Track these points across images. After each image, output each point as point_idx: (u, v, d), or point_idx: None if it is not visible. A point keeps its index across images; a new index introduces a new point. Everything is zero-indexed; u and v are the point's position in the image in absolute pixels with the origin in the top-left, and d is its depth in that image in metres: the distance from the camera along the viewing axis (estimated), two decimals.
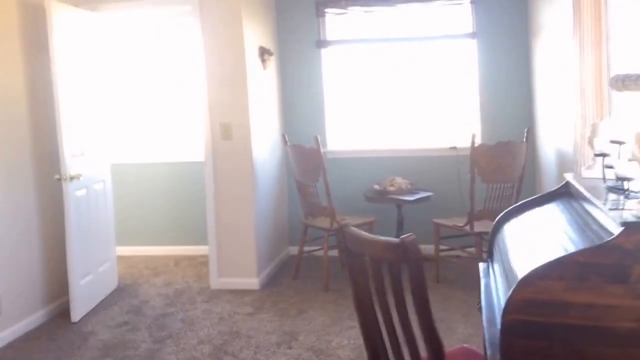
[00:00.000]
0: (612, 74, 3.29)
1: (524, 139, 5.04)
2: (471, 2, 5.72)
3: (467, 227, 4.93)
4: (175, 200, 6.39)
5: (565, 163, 4.32)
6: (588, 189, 2.27)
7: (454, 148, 5.89)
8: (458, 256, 5.49)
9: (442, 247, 5.30)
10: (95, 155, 5.09)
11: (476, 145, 4.90)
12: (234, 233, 5.27)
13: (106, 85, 5.49)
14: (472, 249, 5.16)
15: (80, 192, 4.72)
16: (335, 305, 4.77)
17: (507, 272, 2.18)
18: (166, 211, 6.42)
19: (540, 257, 1.96)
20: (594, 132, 2.46)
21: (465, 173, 5.48)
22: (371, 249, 2.19)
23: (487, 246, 4.50)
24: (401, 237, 2.03)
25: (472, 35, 5.77)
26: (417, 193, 5.57)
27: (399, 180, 5.64)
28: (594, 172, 2.49)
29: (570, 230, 2.11)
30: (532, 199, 2.84)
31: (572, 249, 1.90)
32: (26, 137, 4.51)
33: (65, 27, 4.64)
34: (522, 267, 1.97)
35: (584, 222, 2.08)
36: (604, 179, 2.27)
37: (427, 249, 5.56)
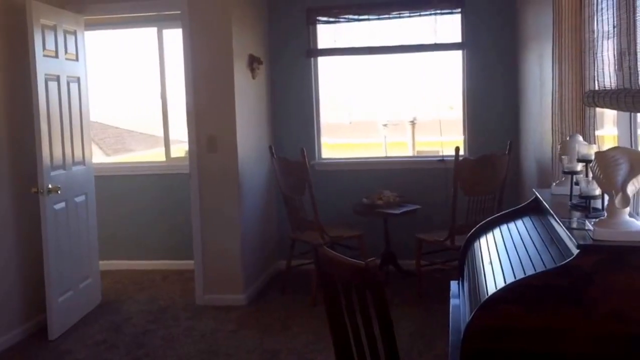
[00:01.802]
0: (585, 89, 3.31)
1: (507, 151, 5.06)
2: (460, 13, 5.73)
3: (448, 242, 4.93)
4: (164, 213, 6.40)
5: (544, 176, 4.32)
6: (554, 205, 2.28)
7: (442, 160, 5.89)
8: (442, 269, 5.47)
9: (424, 262, 5.28)
10: (77, 167, 5.11)
11: (460, 158, 4.92)
12: (220, 248, 5.28)
13: (91, 91, 5.50)
14: (455, 262, 5.13)
15: (59, 206, 4.74)
16: (321, 321, 4.75)
17: (473, 293, 2.18)
18: (155, 224, 6.44)
19: (502, 281, 1.96)
20: (564, 149, 2.46)
21: (452, 186, 5.52)
22: (339, 270, 2.21)
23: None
24: (366, 261, 2.05)
25: (461, 45, 5.78)
26: (404, 206, 5.57)
27: (388, 193, 5.64)
28: (563, 188, 2.50)
29: (535, 249, 2.11)
30: (503, 214, 2.85)
31: (533, 271, 1.90)
32: (3, 147, 4.50)
33: (48, 29, 4.67)
34: (485, 291, 1.97)
35: (549, 242, 2.09)
36: (571, 196, 2.27)
37: (412, 263, 5.58)
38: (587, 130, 3.01)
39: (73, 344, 4.49)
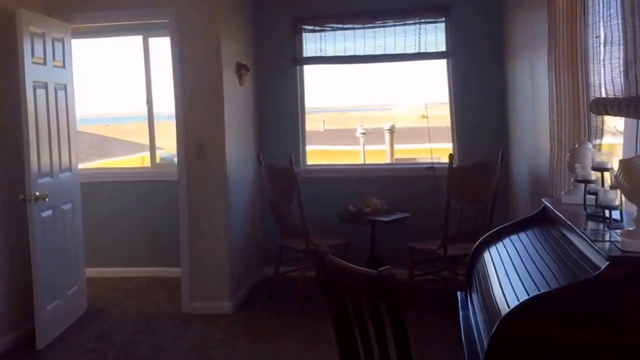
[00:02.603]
0: (589, 96, 3.27)
1: (499, 160, 5.02)
2: (445, 22, 5.70)
3: (441, 251, 4.87)
4: (149, 220, 6.23)
5: (539, 184, 4.29)
6: (568, 216, 2.22)
7: (432, 168, 5.84)
8: (433, 280, 5.41)
9: (415, 271, 5.19)
10: (64, 174, 4.95)
11: (454, 166, 4.86)
12: (207, 255, 5.15)
13: (78, 98, 5.33)
14: (445, 273, 5.09)
15: (47, 213, 4.58)
16: (311, 329, 4.66)
17: (488, 306, 2.11)
18: (139, 231, 6.26)
19: (522, 292, 1.89)
20: (574, 157, 2.40)
21: (442, 193, 5.42)
22: (349, 279, 2.12)
23: (464, 271, 4.46)
24: (379, 269, 1.96)
25: (446, 54, 5.75)
26: (393, 214, 5.51)
27: (375, 200, 5.57)
28: (574, 197, 2.44)
29: (552, 261, 2.04)
30: (510, 224, 2.78)
31: (554, 283, 1.84)
32: None
33: (37, 37, 4.51)
34: (504, 302, 1.90)
35: (565, 253, 2.02)
36: (585, 206, 2.22)
37: (402, 272, 5.50)
38: (586, 138, 2.96)
39: (61, 354, 4.33)
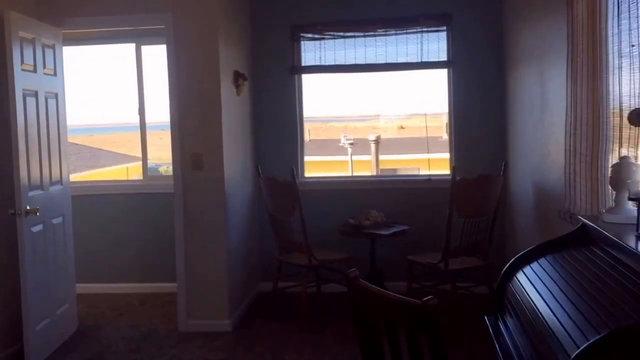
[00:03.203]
0: (608, 107, 3.10)
1: (501, 172, 4.84)
2: (446, 31, 5.52)
3: (441, 265, 4.66)
4: (142, 234, 5.95)
5: (546, 198, 4.11)
6: (618, 236, 2.02)
7: (429, 180, 5.65)
8: (434, 293, 5.18)
9: (414, 285, 5.00)
10: (55, 187, 4.68)
11: (457, 178, 4.66)
12: (204, 271, 4.89)
13: (70, 107, 5.07)
14: (447, 285, 4.88)
15: (37, 228, 4.31)
16: (313, 348, 4.43)
17: (534, 334, 1.89)
18: (132, 245, 5.98)
19: (584, 323, 1.68)
20: (619, 172, 2.20)
21: (441, 205, 5.28)
22: (385, 307, 1.90)
23: (465, 285, 4.24)
24: (424, 300, 1.76)
25: (447, 64, 5.57)
26: (393, 227, 5.30)
27: (374, 213, 5.36)
28: (618, 216, 2.24)
29: (608, 286, 1.83)
30: (545, 244, 2.57)
31: (621, 313, 1.63)
32: None
33: (27, 43, 4.26)
34: (564, 334, 1.68)
35: (627, 279, 1.81)
36: (638, 226, 2.01)
37: (401, 285, 5.32)
38: (605, 150, 2.77)
39: None
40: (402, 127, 20.83)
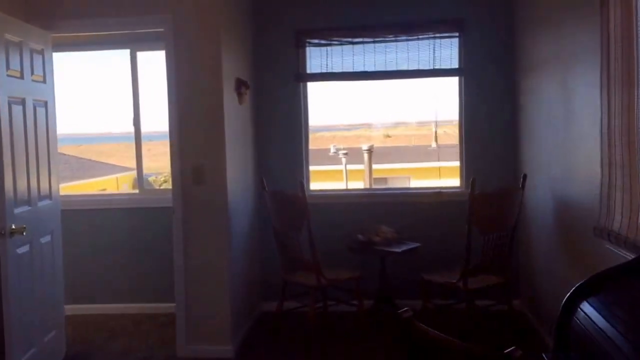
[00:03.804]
0: None
1: (520, 185, 4.48)
2: (459, 37, 5.17)
3: (460, 284, 4.30)
4: (136, 251, 5.50)
5: (573, 211, 3.76)
6: None
7: (440, 193, 5.29)
8: (447, 312, 4.82)
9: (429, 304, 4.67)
10: (43, 202, 4.26)
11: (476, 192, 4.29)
12: (205, 291, 4.48)
13: (60, 116, 4.65)
14: (462, 304, 4.54)
15: (23, 249, 3.87)
16: None
17: None
18: (126, 263, 5.53)
19: None
20: None
21: (452, 220, 5.04)
22: (453, 356, 1.53)
23: (484, 305, 3.83)
24: (507, 351, 1.39)
25: (460, 71, 5.22)
26: (404, 244, 4.93)
27: (384, 229, 4.98)
28: None
29: None
30: (612, 270, 2.21)
31: None
32: None
33: (13, 46, 3.84)
34: None
35: None
36: None
37: (414, 304, 4.95)
38: None
39: None
40: (388, 136, 20.62)
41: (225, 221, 4.43)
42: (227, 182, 4.43)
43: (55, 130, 4.54)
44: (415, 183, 17.41)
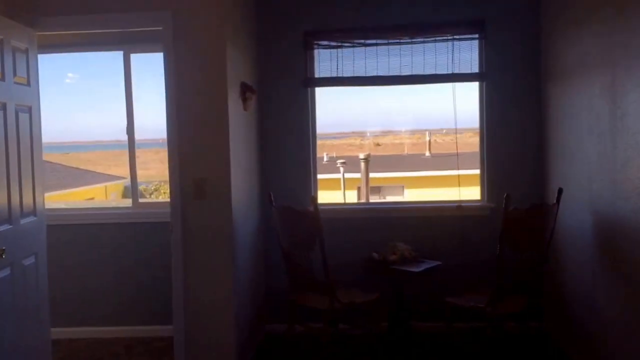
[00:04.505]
0: None
1: (555, 200, 4.02)
2: (479, 39, 4.74)
3: (489, 309, 3.84)
4: (127, 269, 4.97)
5: (623, 231, 3.31)
6: None
7: (460, 207, 4.83)
8: (472, 335, 4.37)
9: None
10: (27, 220, 3.75)
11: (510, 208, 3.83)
12: (207, 313, 3.99)
13: (45, 121, 4.16)
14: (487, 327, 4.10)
15: (3, 273, 3.37)
16: None
17: None
18: (117, 282, 4.99)
19: None
20: None
21: (473, 235, 4.73)
22: None
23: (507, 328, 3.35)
24: None
25: (480, 76, 4.78)
26: (423, 262, 4.48)
27: (401, 246, 4.52)
28: None
29: None
30: None
31: None
32: None
33: None
34: None
35: None
36: None
37: (432, 326, 4.55)
38: None
39: None
40: (378, 145, 20.25)
41: (230, 240, 3.95)
42: (232, 197, 3.95)
43: (40, 139, 4.04)
44: (410, 192, 17.09)
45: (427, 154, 18.65)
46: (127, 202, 5.27)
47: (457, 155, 5.07)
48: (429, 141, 19.05)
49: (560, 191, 3.97)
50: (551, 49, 4.47)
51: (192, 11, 3.89)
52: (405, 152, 19.59)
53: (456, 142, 5.04)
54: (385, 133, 19.91)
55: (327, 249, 4.02)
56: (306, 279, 4.14)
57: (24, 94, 3.81)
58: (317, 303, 4.06)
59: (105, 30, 4.18)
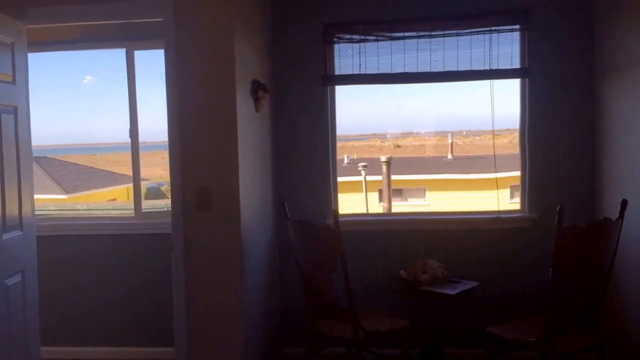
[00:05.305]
0: None
1: (618, 215, 3.39)
2: (521, 30, 4.13)
3: (542, 345, 3.22)
4: (129, 284, 4.44)
5: None
6: None
7: (497, 218, 4.23)
8: None
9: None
10: (11, 234, 3.27)
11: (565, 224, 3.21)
12: (212, 338, 3.45)
13: (36, 123, 3.66)
14: None
15: None
16: None
17: None
18: (116, 298, 4.47)
19: None
20: None
21: (513, 252, 4.14)
22: None
23: None
24: None
25: (522, 72, 4.17)
26: (458, 283, 3.88)
27: (433, 264, 3.93)
28: None
29: None
30: None
31: None
32: None
33: None
34: None
35: None
36: None
37: (468, 354, 3.97)
38: None
39: None
40: (398, 147, 19.64)
41: (238, 256, 3.40)
42: (241, 208, 3.41)
43: (29, 143, 3.56)
44: (432, 195, 16.48)
45: (449, 156, 18.02)
46: (129, 206, 4.76)
47: (495, 157, 4.46)
48: (451, 143, 18.42)
49: (624, 203, 3.33)
50: (608, 39, 3.84)
51: (196, 1, 3.36)
52: (427, 154, 18.99)
53: (493, 144, 4.43)
54: (405, 135, 19.33)
55: (349, 266, 3.44)
56: (326, 305, 3.57)
57: (9, 93, 3.35)
58: (338, 331, 3.50)
59: (99, 22, 3.68)
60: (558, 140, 4.15)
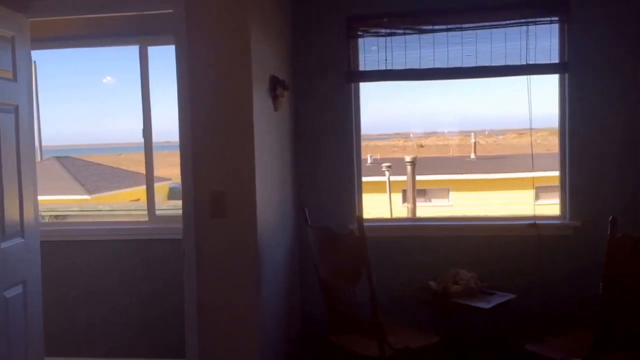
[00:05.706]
0: None
1: None
2: (560, 21, 3.78)
3: None
4: (140, 293, 4.16)
5: None
6: None
7: (534, 225, 3.87)
8: None
9: None
10: (11, 242, 3.02)
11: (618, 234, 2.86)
12: (226, 348, 3.17)
13: (39, 122, 3.42)
14: None
15: None
16: None
17: None
18: (128, 308, 4.19)
19: None
20: None
21: (552, 262, 3.81)
22: None
23: None
24: None
25: (561, 67, 3.81)
26: (492, 295, 3.54)
27: (465, 274, 3.59)
28: None
29: None
30: None
31: None
32: None
33: None
34: None
35: None
36: None
37: None
38: None
39: None
40: (421, 146, 19.25)
41: (254, 267, 3.11)
42: (257, 214, 3.11)
43: (32, 144, 3.31)
44: (456, 195, 16.07)
45: (472, 156, 17.61)
46: (142, 206, 4.50)
47: (532, 157, 4.10)
48: (475, 143, 18.00)
49: None
50: None
51: None
52: (451, 153, 18.59)
53: (531, 143, 4.08)
54: (427, 134, 18.95)
55: (374, 277, 3.13)
56: (349, 318, 3.25)
57: (10, 91, 3.09)
58: (362, 348, 3.18)
59: (105, 15, 3.42)
60: (603, 140, 3.78)
